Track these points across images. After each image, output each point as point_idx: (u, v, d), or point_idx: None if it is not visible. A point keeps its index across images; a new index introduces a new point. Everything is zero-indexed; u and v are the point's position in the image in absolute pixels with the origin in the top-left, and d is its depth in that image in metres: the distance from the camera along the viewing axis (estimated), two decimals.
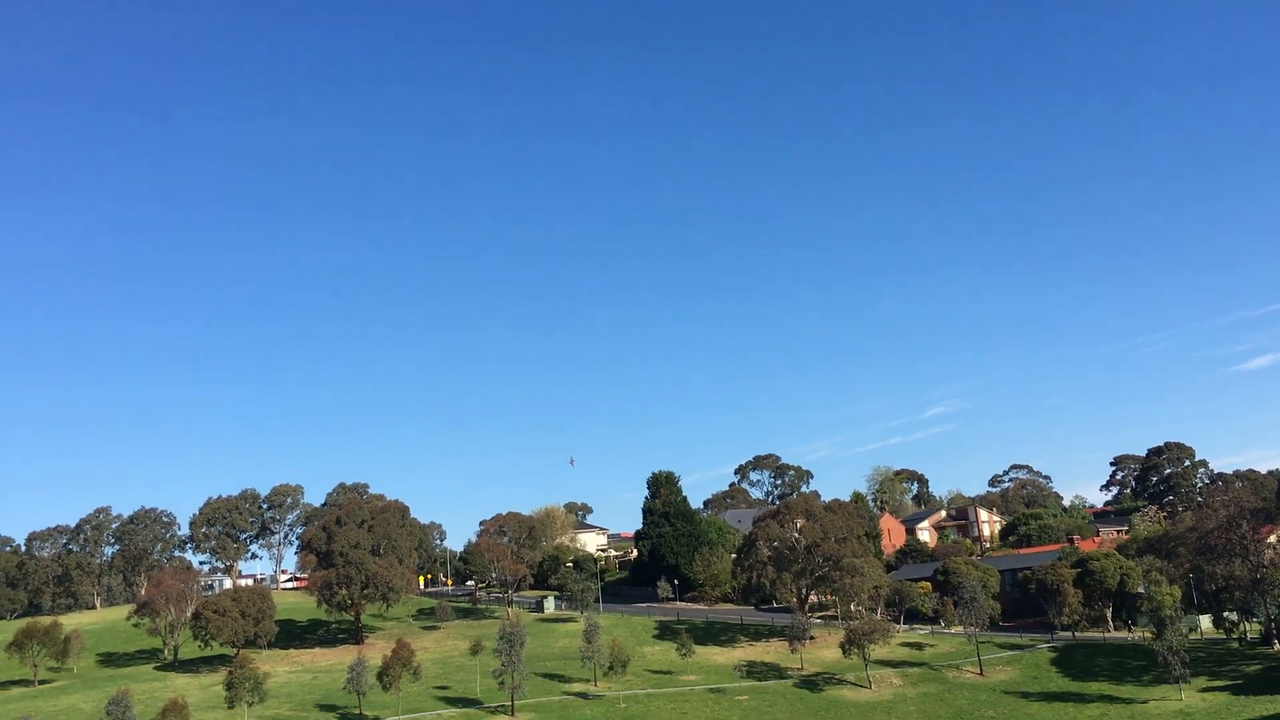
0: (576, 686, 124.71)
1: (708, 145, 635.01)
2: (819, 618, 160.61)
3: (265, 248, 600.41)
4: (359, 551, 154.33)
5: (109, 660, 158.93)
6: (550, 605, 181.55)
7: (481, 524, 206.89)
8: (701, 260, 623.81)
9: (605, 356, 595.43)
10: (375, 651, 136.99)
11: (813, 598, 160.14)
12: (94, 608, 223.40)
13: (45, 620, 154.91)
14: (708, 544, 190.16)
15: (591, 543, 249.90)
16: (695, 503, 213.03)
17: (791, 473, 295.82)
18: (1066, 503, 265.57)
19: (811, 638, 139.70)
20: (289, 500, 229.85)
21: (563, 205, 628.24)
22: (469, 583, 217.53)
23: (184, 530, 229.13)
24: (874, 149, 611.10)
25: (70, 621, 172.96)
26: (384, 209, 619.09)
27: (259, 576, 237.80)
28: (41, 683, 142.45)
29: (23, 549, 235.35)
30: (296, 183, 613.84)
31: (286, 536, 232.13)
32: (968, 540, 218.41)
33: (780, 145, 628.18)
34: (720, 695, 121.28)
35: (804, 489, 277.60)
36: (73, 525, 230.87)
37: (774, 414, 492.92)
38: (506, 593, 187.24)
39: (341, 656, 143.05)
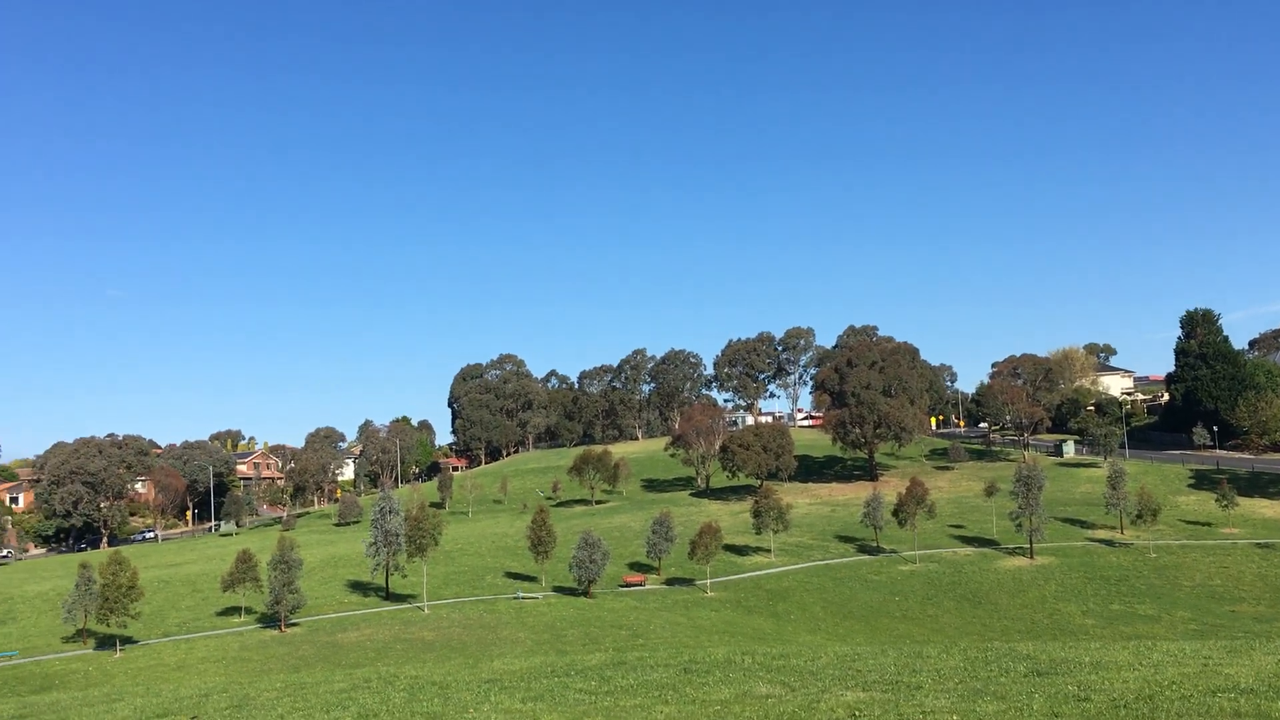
0: (1100, 533, 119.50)
1: None
2: None
3: None
4: (870, 392, 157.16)
5: (651, 486, 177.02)
6: (1069, 450, 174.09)
7: (994, 366, 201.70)
8: None
9: (1149, 174, 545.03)
10: (889, 488, 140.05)
11: None
12: (636, 439, 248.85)
13: (597, 449, 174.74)
14: (1253, 388, 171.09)
15: (1115, 385, 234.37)
16: (1238, 343, 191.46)
17: None
18: None
19: None
20: (801, 342, 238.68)
21: None
22: (981, 425, 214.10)
23: (709, 370, 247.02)
24: None
25: (617, 450, 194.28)
26: None
27: (777, 414, 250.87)
28: (598, 503, 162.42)
29: (576, 386, 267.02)
30: None
31: (800, 377, 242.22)
32: None
33: None
34: (1269, 552, 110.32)
35: None
36: (615, 365, 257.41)
37: None
38: (1022, 435, 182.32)
39: (857, 492, 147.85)
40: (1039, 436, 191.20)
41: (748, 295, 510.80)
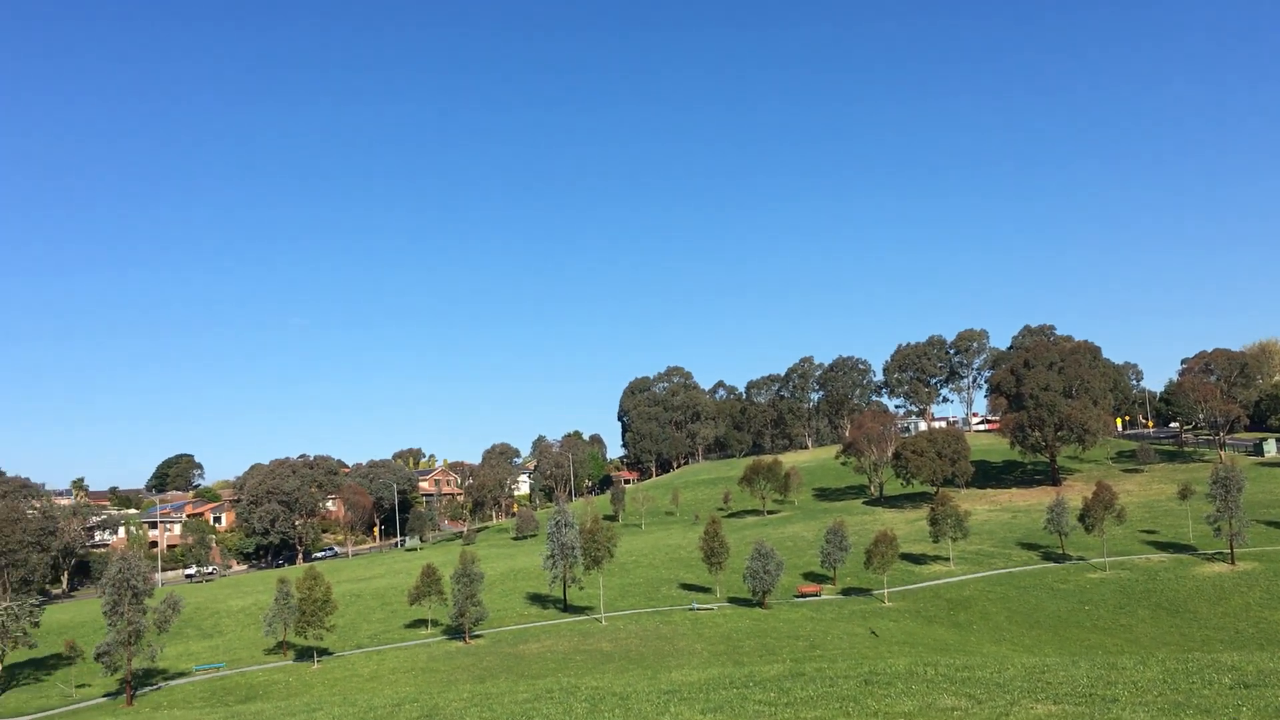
0: None
1: None
2: None
3: None
4: (1050, 394, 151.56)
5: (823, 494, 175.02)
6: (1271, 448, 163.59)
7: (1184, 362, 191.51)
8: None
9: None
10: (1073, 493, 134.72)
11: None
12: (806, 447, 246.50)
13: (767, 459, 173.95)
14: None
15: None
16: None
17: None
18: None
19: None
20: (974, 345, 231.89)
21: None
22: (1172, 425, 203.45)
23: (878, 376, 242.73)
24: None
25: (787, 460, 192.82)
26: None
27: (951, 419, 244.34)
28: (769, 512, 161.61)
29: (744, 396, 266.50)
30: None
31: (974, 380, 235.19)
32: None
33: None
34: None
35: None
36: (782, 374, 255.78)
37: None
38: (1217, 435, 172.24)
39: (1039, 497, 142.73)
40: (1236, 435, 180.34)
41: (916, 299, 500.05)
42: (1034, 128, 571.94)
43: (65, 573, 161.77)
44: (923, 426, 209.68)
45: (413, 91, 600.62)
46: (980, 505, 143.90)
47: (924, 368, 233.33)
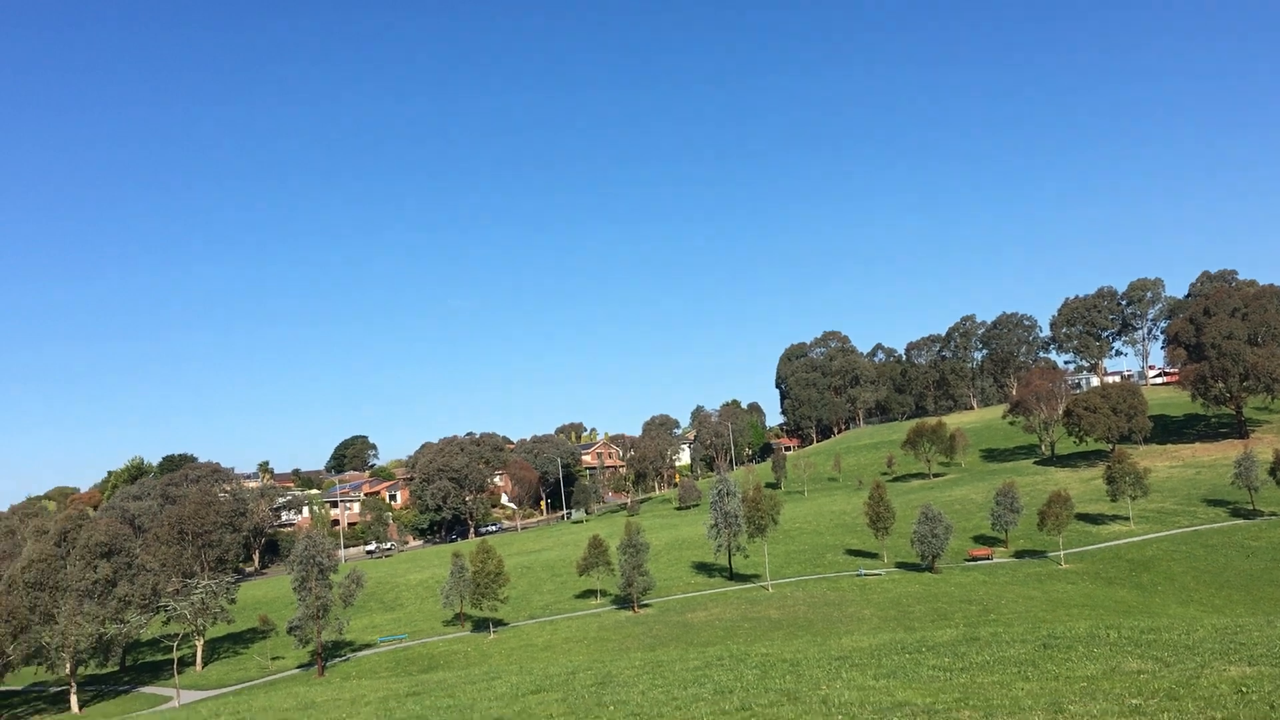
0: None
1: None
2: None
3: None
4: (1234, 342, 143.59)
5: (990, 455, 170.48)
6: None
7: None
8: None
9: None
10: (1263, 445, 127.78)
11: None
12: (971, 408, 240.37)
13: (931, 421, 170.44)
14: None
15: None
16: None
17: None
18: None
19: None
20: (1148, 295, 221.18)
21: None
22: None
23: (1045, 332, 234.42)
24: None
25: (952, 421, 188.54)
26: None
27: (1125, 373, 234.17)
28: (935, 475, 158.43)
29: (904, 358, 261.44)
30: None
31: (1150, 332, 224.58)
32: None
33: None
34: None
35: None
36: (943, 334, 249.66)
37: None
38: None
39: (1224, 451, 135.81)
40: None
41: (1082, 250, 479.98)
42: (1206, 61, 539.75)
43: (256, 551, 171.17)
44: (1095, 382, 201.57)
45: (564, 78, 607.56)
46: (1160, 462, 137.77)
47: (1094, 321, 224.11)
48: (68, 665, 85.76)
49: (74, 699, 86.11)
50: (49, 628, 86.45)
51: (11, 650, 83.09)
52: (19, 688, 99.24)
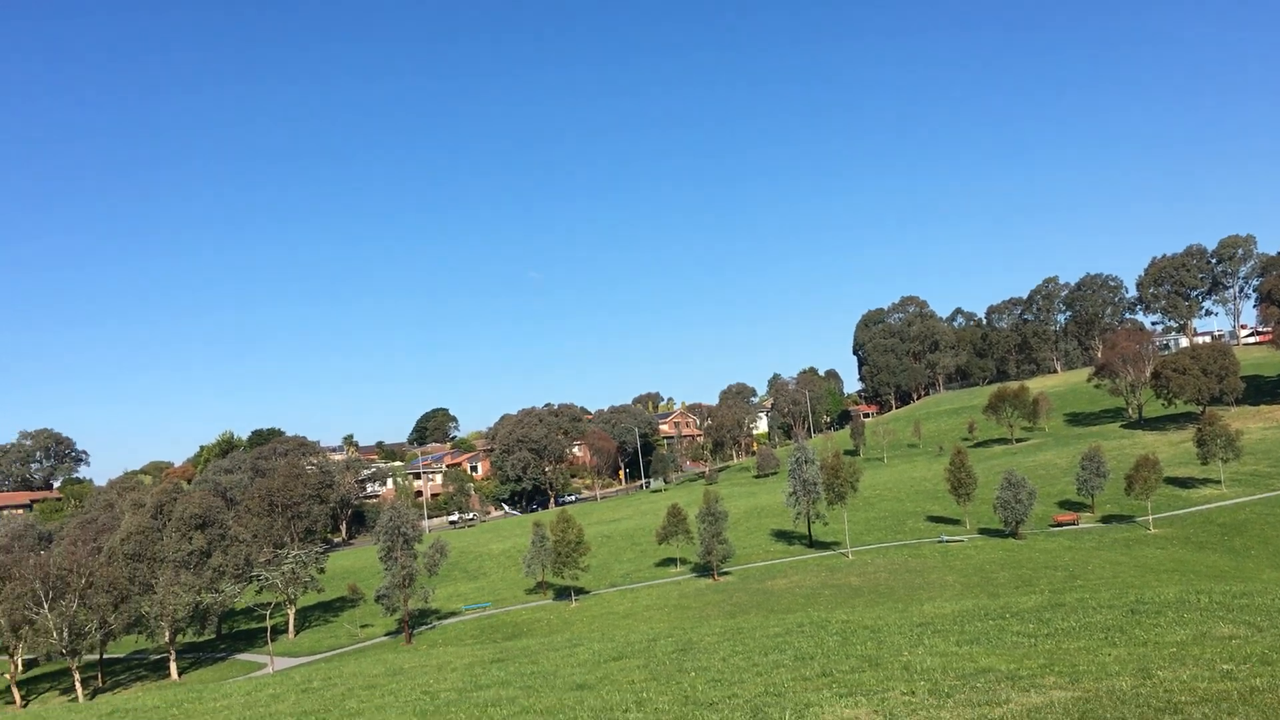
0: None
1: None
2: None
3: None
4: None
5: (1075, 420, 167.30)
6: None
7: None
8: None
9: None
10: None
11: None
12: (1054, 371, 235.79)
13: (1013, 385, 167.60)
14: None
15: None
16: None
17: None
18: None
19: None
20: (1239, 252, 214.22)
21: None
22: None
23: (1131, 293, 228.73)
24: None
25: (1034, 385, 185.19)
26: None
27: (1216, 333, 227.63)
28: (1018, 440, 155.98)
29: (984, 322, 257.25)
30: None
31: (1241, 290, 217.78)
32: None
33: None
34: None
35: None
36: (1025, 296, 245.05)
37: None
38: None
39: None
40: None
41: (1169, 208, 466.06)
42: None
43: (343, 522, 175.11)
44: (1184, 343, 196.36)
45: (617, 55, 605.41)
46: (1253, 424, 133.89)
47: (1183, 280, 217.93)
48: (166, 633, 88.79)
49: (173, 666, 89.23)
50: (148, 597, 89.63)
51: (113, 619, 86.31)
52: (121, 655, 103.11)
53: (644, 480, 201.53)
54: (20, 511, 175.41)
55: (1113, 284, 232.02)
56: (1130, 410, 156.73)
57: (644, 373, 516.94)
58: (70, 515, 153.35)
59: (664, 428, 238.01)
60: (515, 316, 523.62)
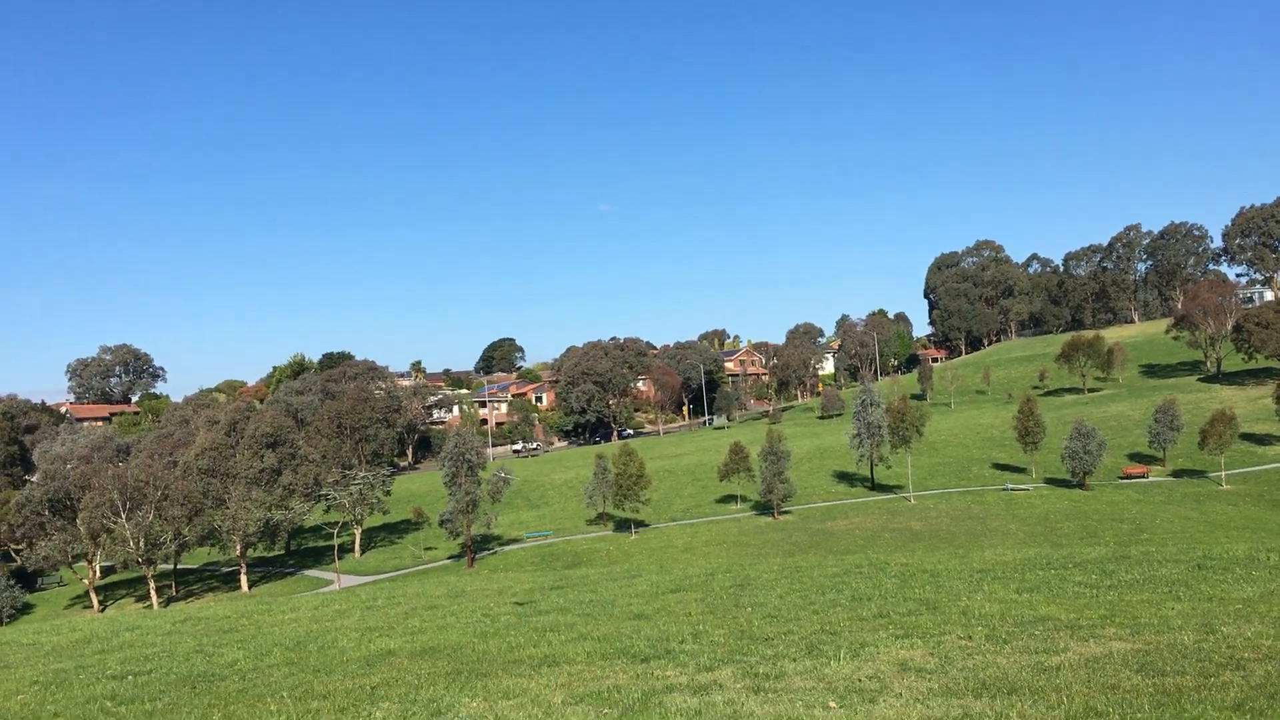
0: None
1: None
2: None
3: None
4: None
5: (1151, 371, 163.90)
6: None
7: None
8: None
9: None
10: None
11: None
12: (1132, 322, 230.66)
13: (1088, 334, 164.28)
14: None
15: None
16: None
17: None
18: None
19: None
20: None
21: None
22: None
23: (1216, 243, 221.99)
24: None
25: (1110, 335, 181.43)
26: None
27: None
28: (1090, 390, 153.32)
29: (1061, 269, 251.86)
30: None
31: None
32: None
33: None
34: None
35: None
36: (1105, 244, 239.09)
37: None
38: None
39: None
40: None
41: (1260, 155, 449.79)
42: None
43: (410, 447, 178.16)
44: (1269, 296, 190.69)
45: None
46: None
47: (1271, 231, 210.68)
48: (238, 547, 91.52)
49: (244, 578, 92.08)
50: (220, 511, 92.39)
51: (187, 531, 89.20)
52: (195, 566, 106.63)
53: (707, 417, 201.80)
54: (100, 424, 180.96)
55: (1197, 233, 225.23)
56: (1209, 363, 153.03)
57: (711, 309, 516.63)
58: (147, 429, 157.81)
59: (729, 365, 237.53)
60: (584, 248, 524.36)
